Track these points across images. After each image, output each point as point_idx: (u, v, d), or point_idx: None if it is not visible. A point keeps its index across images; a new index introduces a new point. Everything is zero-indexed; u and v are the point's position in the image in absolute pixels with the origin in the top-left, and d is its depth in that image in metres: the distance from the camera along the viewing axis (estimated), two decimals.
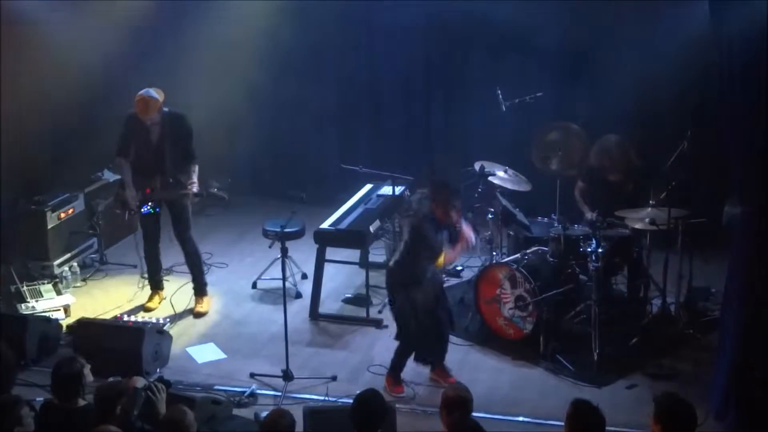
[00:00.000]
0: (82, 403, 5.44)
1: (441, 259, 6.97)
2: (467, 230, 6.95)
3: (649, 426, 4.91)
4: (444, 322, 7.12)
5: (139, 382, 5.39)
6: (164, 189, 8.07)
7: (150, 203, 8.07)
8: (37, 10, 8.92)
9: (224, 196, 8.44)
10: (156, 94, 7.94)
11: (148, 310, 8.40)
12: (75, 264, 9.13)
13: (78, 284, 9.00)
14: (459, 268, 8.99)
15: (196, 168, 8.11)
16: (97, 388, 5.41)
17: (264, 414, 5.82)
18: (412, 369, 7.23)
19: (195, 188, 8.05)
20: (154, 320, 7.90)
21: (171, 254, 8.76)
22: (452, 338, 7.41)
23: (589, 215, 7.81)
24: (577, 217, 8.06)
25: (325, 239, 8.23)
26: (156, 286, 8.60)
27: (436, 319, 7.04)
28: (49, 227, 8.87)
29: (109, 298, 8.70)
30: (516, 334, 7.62)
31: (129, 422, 5.17)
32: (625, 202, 7.73)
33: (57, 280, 8.74)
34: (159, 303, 8.52)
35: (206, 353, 7.69)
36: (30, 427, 5.17)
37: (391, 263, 7.13)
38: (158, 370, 7.28)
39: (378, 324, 8.09)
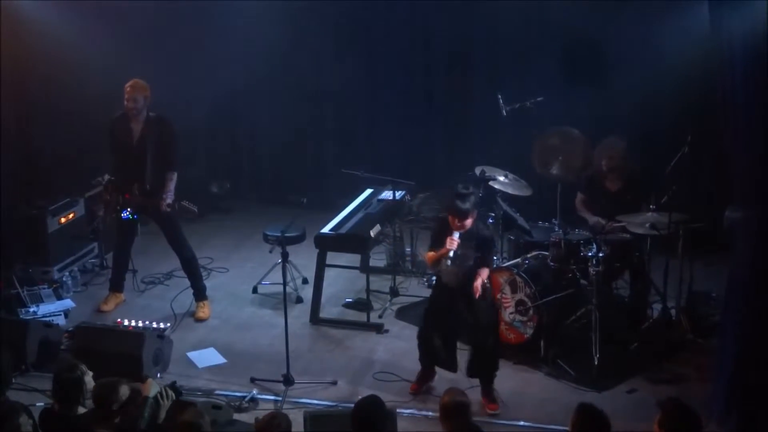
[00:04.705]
0: (82, 410, 5.43)
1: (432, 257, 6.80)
2: (451, 240, 6.58)
3: (652, 430, 4.91)
4: (434, 340, 6.93)
5: (152, 389, 5.37)
6: (141, 196, 8.07)
7: (129, 209, 8.06)
8: (38, 12, 8.94)
9: (194, 210, 8.37)
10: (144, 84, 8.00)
11: (101, 311, 8.40)
12: (75, 269, 9.13)
13: (78, 289, 9.00)
14: None
15: (174, 177, 8.08)
16: (94, 386, 5.40)
17: None
18: (415, 368, 7.24)
19: (169, 199, 8.02)
20: (154, 325, 7.89)
21: (171, 259, 8.76)
22: None
23: (593, 220, 7.82)
24: (578, 221, 8.06)
25: (325, 244, 8.22)
26: (115, 288, 8.57)
27: (430, 328, 6.98)
28: (49, 232, 8.86)
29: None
30: (516, 339, 7.61)
31: (134, 430, 5.16)
32: (624, 212, 7.70)
33: (57, 284, 8.74)
34: (114, 306, 8.50)
35: (207, 358, 7.69)
36: None
37: None
38: (159, 375, 7.28)
39: (379, 329, 8.09)
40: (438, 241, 6.72)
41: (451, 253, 6.59)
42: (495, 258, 8.11)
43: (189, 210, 8.33)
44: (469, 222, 6.61)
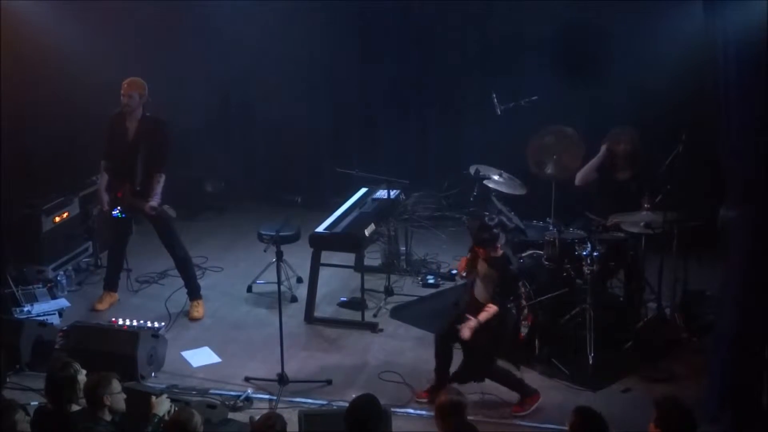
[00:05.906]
0: (76, 407, 5.42)
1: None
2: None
3: (648, 430, 4.91)
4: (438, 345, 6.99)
5: (161, 407, 5.39)
6: (132, 196, 8.07)
7: (119, 208, 8.06)
8: (35, 12, 8.92)
9: (172, 215, 8.33)
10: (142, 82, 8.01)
11: (95, 310, 8.39)
12: (70, 268, 9.12)
13: (73, 288, 8.98)
14: (454, 271, 9.00)
15: (162, 179, 8.04)
16: (86, 380, 5.39)
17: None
18: (410, 367, 7.24)
19: (154, 201, 8.01)
20: (149, 324, 7.88)
21: (165, 258, 8.74)
22: None
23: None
24: (573, 219, 8.07)
25: (320, 243, 8.21)
26: (109, 287, 8.56)
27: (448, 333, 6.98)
28: (43, 231, 8.86)
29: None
30: None
31: None
32: (629, 203, 7.72)
33: (52, 283, 8.72)
34: (109, 305, 8.49)
35: (201, 357, 7.68)
36: None
37: None
38: (153, 374, 7.27)
39: (373, 328, 8.09)
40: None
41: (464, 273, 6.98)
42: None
43: (167, 214, 8.30)
44: (492, 249, 6.70)
